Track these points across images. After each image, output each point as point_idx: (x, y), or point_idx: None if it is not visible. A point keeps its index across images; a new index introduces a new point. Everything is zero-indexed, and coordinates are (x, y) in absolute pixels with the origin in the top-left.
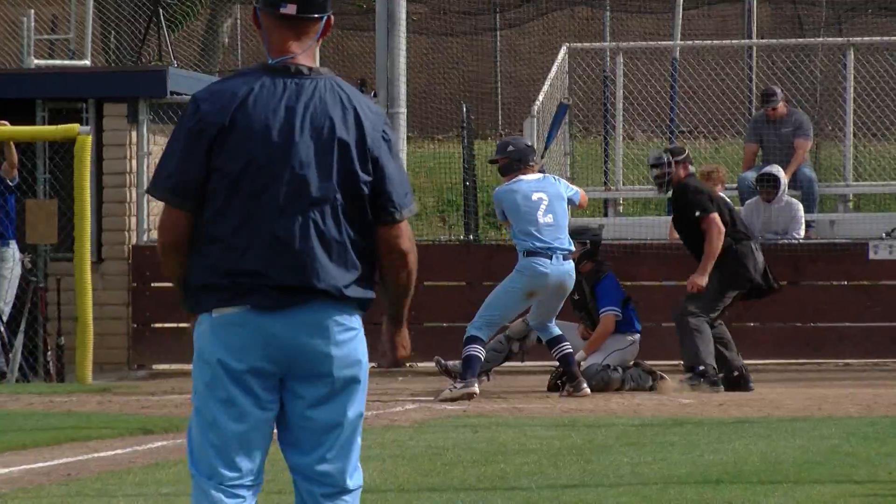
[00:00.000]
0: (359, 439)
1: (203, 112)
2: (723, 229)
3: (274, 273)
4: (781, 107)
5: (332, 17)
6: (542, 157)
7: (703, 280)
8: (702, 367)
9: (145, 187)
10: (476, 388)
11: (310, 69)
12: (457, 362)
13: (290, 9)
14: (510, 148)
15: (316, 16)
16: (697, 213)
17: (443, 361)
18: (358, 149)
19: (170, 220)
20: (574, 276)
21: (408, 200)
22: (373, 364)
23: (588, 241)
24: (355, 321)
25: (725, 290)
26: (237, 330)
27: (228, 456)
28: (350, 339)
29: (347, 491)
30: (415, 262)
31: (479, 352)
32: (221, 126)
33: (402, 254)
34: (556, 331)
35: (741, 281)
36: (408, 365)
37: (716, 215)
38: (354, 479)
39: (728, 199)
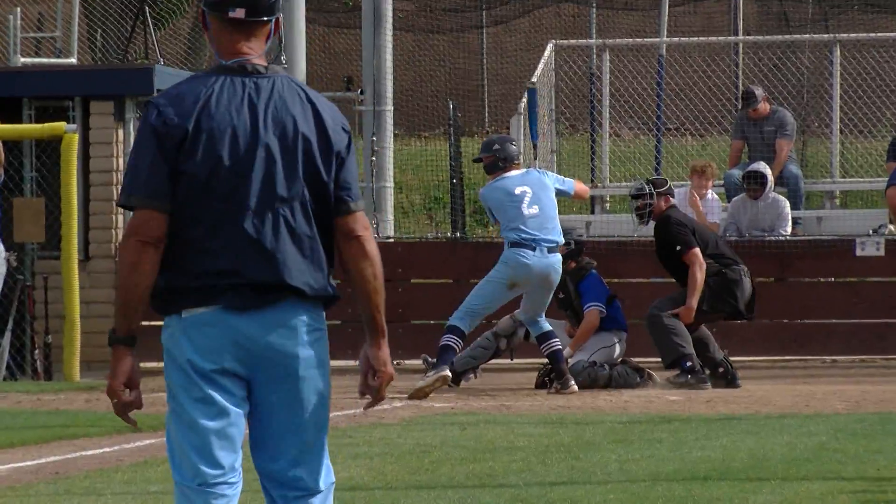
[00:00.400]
0: (326, 439)
1: (166, 116)
2: (704, 264)
3: (248, 271)
4: (763, 106)
5: (281, 19)
6: (535, 157)
7: (693, 314)
8: (689, 364)
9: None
10: (448, 372)
11: (265, 68)
12: None
13: (239, 13)
14: (495, 146)
15: (265, 19)
16: (679, 248)
17: (430, 359)
18: (320, 144)
19: (153, 219)
20: (560, 269)
21: (359, 193)
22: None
23: (572, 241)
24: (321, 321)
25: (711, 310)
26: (207, 330)
27: (210, 454)
28: (316, 339)
29: (319, 491)
30: (376, 253)
31: (456, 342)
32: (185, 131)
33: (361, 241)
34: (547, 326)
35: (727, 307)
36: (395, 363)
37: (697, 250)
38: (325, 478)
39: (713, 225)
